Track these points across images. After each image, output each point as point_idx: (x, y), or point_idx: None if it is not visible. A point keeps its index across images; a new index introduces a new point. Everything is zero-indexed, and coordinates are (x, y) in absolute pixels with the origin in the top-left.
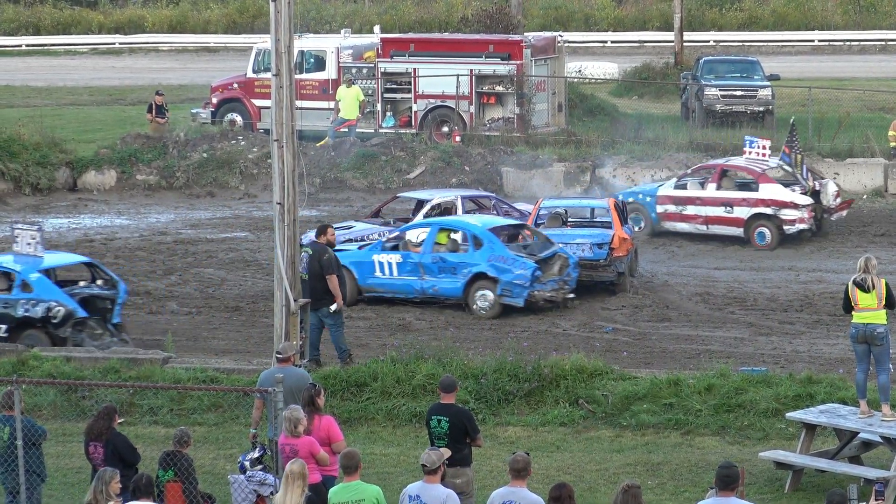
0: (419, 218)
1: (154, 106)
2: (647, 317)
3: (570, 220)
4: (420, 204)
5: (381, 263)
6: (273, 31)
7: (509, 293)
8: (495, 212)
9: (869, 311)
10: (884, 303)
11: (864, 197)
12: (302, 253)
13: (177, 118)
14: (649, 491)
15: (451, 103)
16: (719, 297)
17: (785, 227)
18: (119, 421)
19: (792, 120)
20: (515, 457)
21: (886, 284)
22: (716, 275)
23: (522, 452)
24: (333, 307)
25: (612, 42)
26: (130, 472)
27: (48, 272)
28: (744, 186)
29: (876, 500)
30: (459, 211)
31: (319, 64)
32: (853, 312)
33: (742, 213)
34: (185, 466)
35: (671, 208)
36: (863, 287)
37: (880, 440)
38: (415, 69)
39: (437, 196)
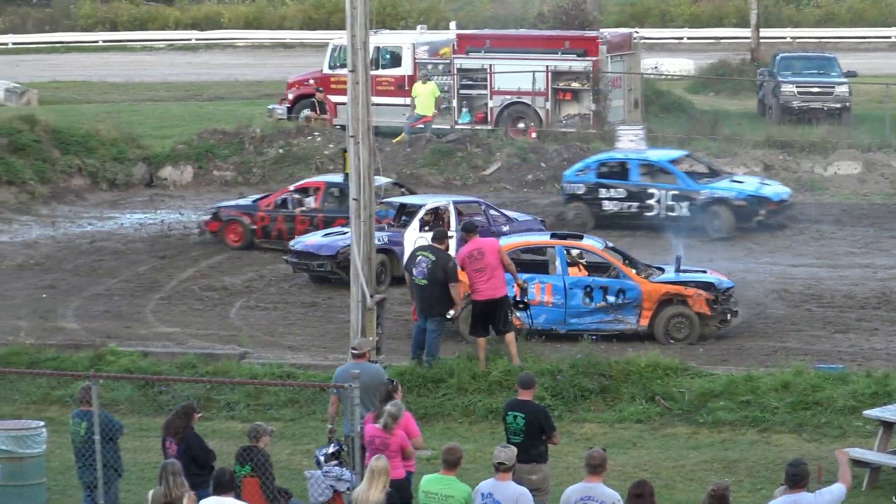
0: (415, 224)
1: (315, 103)
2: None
3: None
4: (403, 208)
5: None
6: (349, 28)
7: None
8: (484, 217)
9: None
10: None
11: None
12: (419, 257)
13: (253, 114)
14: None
15: (526, 99)
16: (796, 293)
17: None
18: (198, 417)
19: None
20: (591, 452)
21: None
22: (793, 272)
23: (599, 448)
24: (451, 313)
25: (689, 38)
26: (204, 473)
27: None
28: None
29: None
30: (452, 216)
31: (395, 60)
32: None
33: None
34: (262, 461)
35: None
36: None
37: None
38: (491, 65)
39: (430, 201)
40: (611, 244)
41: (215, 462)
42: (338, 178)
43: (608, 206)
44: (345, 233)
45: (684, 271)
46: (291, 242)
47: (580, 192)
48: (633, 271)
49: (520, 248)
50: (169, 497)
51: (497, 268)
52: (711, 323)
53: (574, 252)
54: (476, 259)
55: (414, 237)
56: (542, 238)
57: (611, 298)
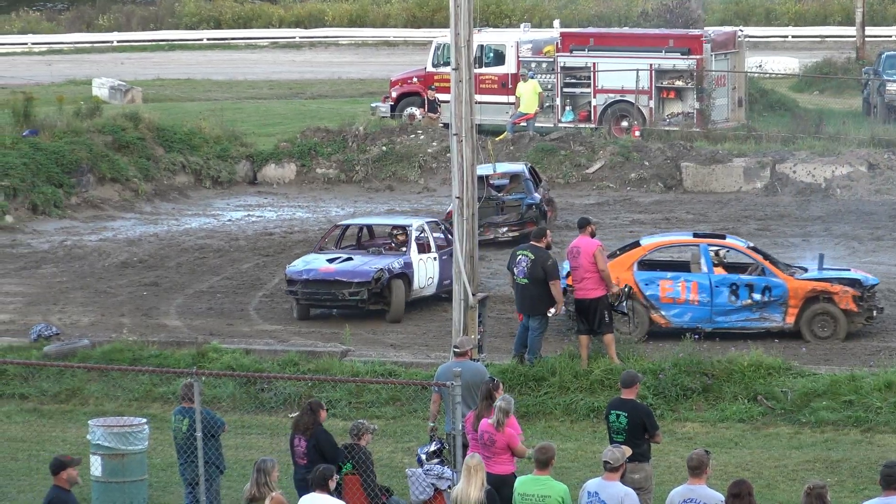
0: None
1: (426, 101)
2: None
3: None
4: (370, 229)
5: None
6: (453, 26)
7: None
8: (442, 236)
9: None
10: None
11: None
12: (519, 257)
13: (356, 112)
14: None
15: (630, 98)
16: None
17: None
18: (324, 414)
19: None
20: (691, 454)
21: None
22: None
23: (700, 450)
24: (553, 311)
25: (793, 37)
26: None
27: None
28: None
29: None
30: (430, 236)
31: (499, 58)
32: None
33: None
34: (363, 459)
35: None
36: None
37: None
38: (594, 64)
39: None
40: (752, 244)
41: (343, 460)
42: None
43: None
44: (350, 258)
45: (828, 269)
46: (292, 271)
47: None
48: (778, 269)
49: (662, 246)
50: (253, 493)
51: (589, 270)
52: (858, 320)
53: (719, 251)
54: (574, 257)
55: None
56: (686, 237)
57: (756, 296)
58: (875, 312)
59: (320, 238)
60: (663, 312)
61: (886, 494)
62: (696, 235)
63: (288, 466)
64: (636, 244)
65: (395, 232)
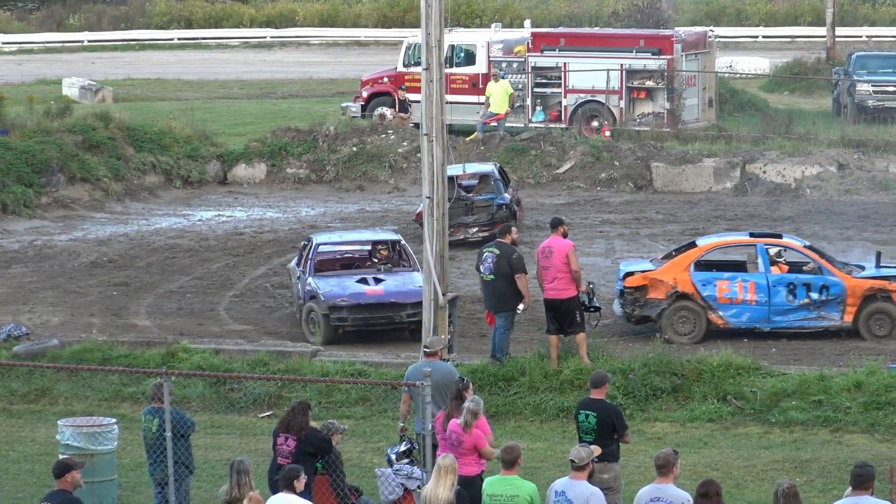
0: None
1: (397, 101)
2: None
3: None
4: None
5: None
6: (424, 26)
7: None
8: (395, 253)
9: None
10: None
11: None
12: (485, 254)
13: (327, 112)
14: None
15: (601, 98)
16: None
17: None
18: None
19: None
20: (658, 454)
21: None
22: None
23: (667, 449)
24: (521, 307)
25: (764, 37)
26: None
27: None
28: None
29: None
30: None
31: (470, 58)
32: None
33: None
34: (333, 459)
35: None
36: None
37: None
38: (565, 64)
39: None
40: (808, 243)
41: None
42: None
43: None
44: (376, 278)
45: (885, 267)
46: (330, 295)
47: None
48: (835, 267)
49: (719, 247)
50: (234, 495)
51: (562, 270)
52: None
53: (773, 250)
54: (545, 256)
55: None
56: (742, 237)
57: (814, 295)
58: None
59: (303, 256)
60: (721, 313)
61: (856, 494)
62: (752, 235)
63: (257, 466)
64: (692, 245)
65: (379, 247)
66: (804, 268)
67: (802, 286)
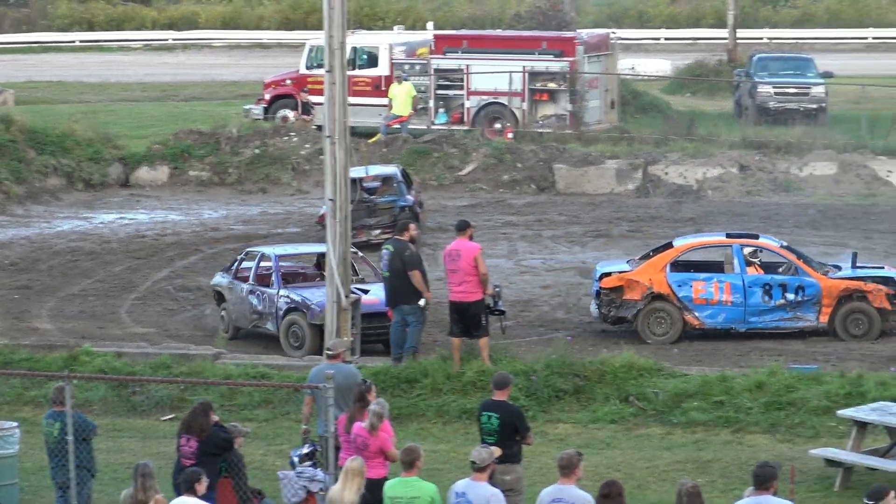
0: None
1: (300, 104)
2: None
3: None
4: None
5: None
6: (326, 28)
7: None
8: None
9: None
10: None
11: None
12: (383, 251)
13: (229, 114)
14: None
15: (503, 100)
16: None
17: None
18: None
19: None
20: (561, 454)
21: None
22: None
23: (570, 450)
24: (422, 302)
25: (666, 39)
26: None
27: None
28: None
29: None
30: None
31: (372, 60)
32: None
33: None
34: (235, 462)
35: None
36: None
37: None
38: (468, 66)
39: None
40: (785, 243)
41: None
42: None
43: None
44: (361, 290)
45: (861, 267)
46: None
47: None
48: (811, 268)
49: (695, 247)
50: (139, 498)
51: (470, 273)
52: (892, 318)
53: (748, 251)
54: (452, 259)
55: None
56: (718, 238)
57: (790, 296)
58: None
59: (236, 269)
60: (697, 314)
61: (757, 494)
62: (728, 236)
63: (160, 469)
64: (669, 245)
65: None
66: (779, 269)
67: (778, 287)
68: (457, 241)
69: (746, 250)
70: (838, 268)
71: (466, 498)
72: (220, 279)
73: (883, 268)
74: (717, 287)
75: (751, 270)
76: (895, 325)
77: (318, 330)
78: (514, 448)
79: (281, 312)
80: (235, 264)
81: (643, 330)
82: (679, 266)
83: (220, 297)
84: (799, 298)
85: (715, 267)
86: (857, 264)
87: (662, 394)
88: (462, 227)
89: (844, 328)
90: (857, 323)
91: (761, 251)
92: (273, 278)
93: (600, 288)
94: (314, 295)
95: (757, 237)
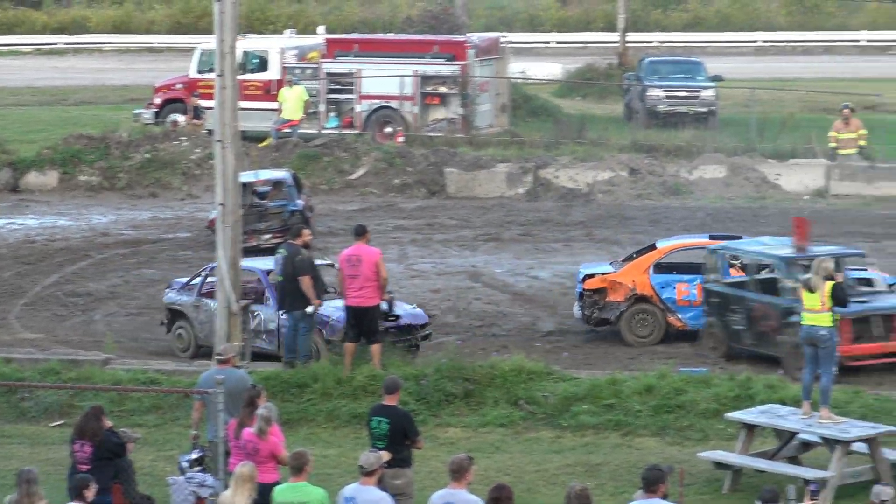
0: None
1: (191, 108)
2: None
3: None
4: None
5: None
6: (217, 32)
7: None
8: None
9: (812, 312)
10: (828, 305)
11: (806, 198)
12: (277, 255)
13: (119, 119)
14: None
15: (394, 104)
16: None
17: None
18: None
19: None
20: (452, 459)
21: (833, 287)
22: None
23: (462, 454)
24: (310, 308)
25: (556, 43)
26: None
27: None
28: None
29: (811, 500)
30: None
31: (263, 64)
32: (802, 313)
33: None
34: (125, 468)
35: None
36: (808, 287)
37: (819, 441)
38: (359, 70)
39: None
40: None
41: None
42: None
43: None
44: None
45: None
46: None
47: None
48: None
49: (678, 249)
50: None
51: (371, 278)
52: None
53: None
54: (353, 265)
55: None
56: (701, 240)
57: None
58: None
59: (201, 282)
60: (680, 315)
61: (646, 497)
62: (712, 237)
63: (49, 476)
64: (652, 247)
65: None
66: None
67: None
68: (355, 245)
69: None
70: None
71: (355, 502)
72: (179, 297)
73: (865, 269)
74: (700, 289)
75: (734, 273)
76: None
77: (331, 345)
78: (404, 452)
79: (285, 329)
80: (199, 280)
81: (626, 332)
82: (662, 268)
83: (174, 316)
84: None
85: (699, 269)
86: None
87: (552, 397)
88: (360, 232)
89: None
90: None
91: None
92: (267, 294)
93: (583, 290)
94: (326, 308)
95: (741, 238)
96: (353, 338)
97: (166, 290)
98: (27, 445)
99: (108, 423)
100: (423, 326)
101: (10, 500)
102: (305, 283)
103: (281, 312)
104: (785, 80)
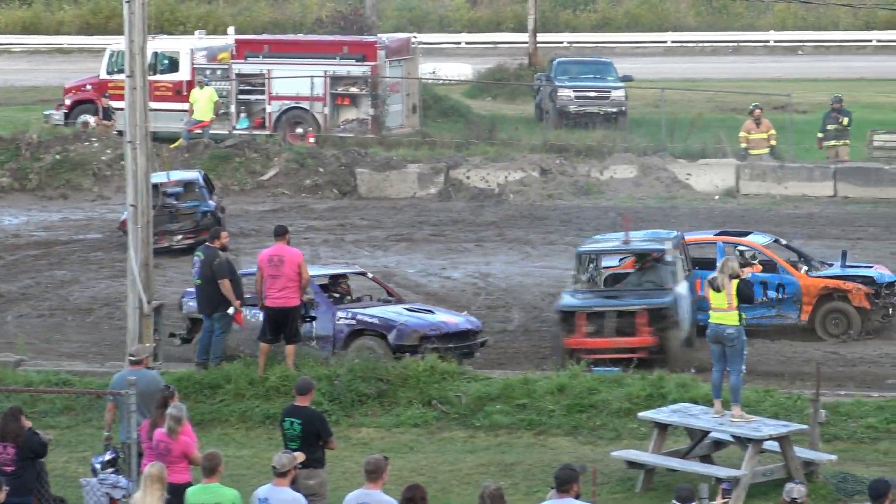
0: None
1: (101, 109)
2: (499, 318)
3: None
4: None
5: None
6: (127, 33)
7: None
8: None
9: (720, 311)
10: (734, 304)
11: (717, 198)
12: (195, 258)
13: (29, 120)
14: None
15: (305, 105)
16: None
17: None
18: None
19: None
20: (368, 459)
21: (738, 285)
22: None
23: (378, 455)
24: (231, 310)
25: (467, 43)
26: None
27: None
28: None
29: (723, 498)
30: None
31: (173, 65)
32: (709, 312)
33: None
34: (37, 470)
35: None
36: (713, 286)
37: (731, 439)
38: (269, 70)
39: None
40: (784, 241)
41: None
42: None
43: None
44: (427, 310)
45: (850, 266)
46: (414, 325)
47: None
48: (793, 267)
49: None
50: None
51: (293, 279)
52: (873, 317)
53: (740, 248)
54: (275, 265)
55: None
56: (707, 235)
57: (771, 293)
58: (892, 310)
59: None
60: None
61: (559, 496)
62: (720, 233)
63: None
64: None
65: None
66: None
67: (759, 284)
68: (276, 245)
69: (741, 250)
70: (830, 266)
71: (269, 503)
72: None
73: (871, 267)
74: (698, 284)
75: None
76: (876, 325)
77: (396, 350)
78: (318, 453)
79: (342, 335)
80: None
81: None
82: None
83: (195, 325)
84: (780, 296)
85: (705, 264)
86: (847, 263)
87: (465, 397)
88: (280, 232)
89: (823, 327)
90: (836, 322)
91: (748, 250)
92: (318, 300)
93: None
94: (385, 313)
95: (746, 234)
96: (271, 339)
97: (183, 300)
98: None
99: (28, 423)
100: (477, 333)
101: None
102: (225, 286)
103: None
104: (694, 80)
